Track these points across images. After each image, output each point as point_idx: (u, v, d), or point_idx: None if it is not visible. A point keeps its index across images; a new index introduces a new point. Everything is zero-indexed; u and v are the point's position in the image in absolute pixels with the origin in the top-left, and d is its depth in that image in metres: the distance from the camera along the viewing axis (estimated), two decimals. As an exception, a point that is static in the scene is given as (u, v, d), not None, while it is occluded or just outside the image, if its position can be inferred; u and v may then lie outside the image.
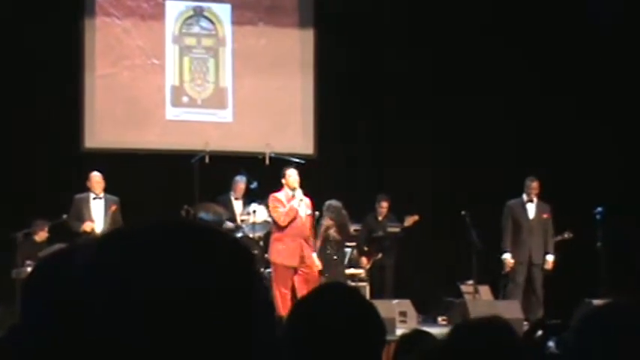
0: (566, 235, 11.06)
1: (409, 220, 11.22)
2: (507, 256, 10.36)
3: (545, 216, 10.49)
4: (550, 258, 10.42)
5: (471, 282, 10.71)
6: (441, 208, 11.61)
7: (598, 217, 10.63)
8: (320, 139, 12.51)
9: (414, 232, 11.27)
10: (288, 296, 9.25)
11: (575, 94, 12.17)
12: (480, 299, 10.45)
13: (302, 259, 9.46)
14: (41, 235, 10.21)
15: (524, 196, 10.54)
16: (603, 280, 10.09)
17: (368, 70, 12.43)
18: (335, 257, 10.12)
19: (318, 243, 9.95)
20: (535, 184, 10.48)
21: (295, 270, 9.46)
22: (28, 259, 9.54)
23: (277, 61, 12.55)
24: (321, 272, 9.74)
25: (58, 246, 7.53)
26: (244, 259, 0.89)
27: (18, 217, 10.30)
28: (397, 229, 11.28)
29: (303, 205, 9.58)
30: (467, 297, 10.51)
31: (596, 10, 11.96)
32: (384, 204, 11.40)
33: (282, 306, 8.93)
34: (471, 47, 12.22)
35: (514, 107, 12.18)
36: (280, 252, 9.52)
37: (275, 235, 9.63)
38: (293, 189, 9.54)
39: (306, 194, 9.67)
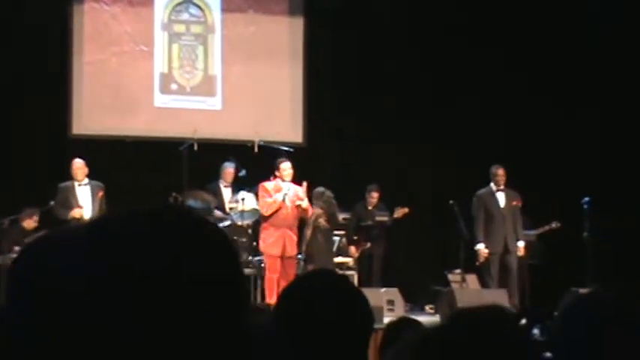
0: (553, 225, 11.11)
1: (399, 212, 11.23)
2: (481, 247, 10.22)
3: (514, 203, 10.36)
4: (521, 244, 10.34)
5: (458, 271, 10.73)
6: (429, 197, 11.62)
7: (585, 207, 10.64)
8: (309, 127, 12.49)
9: (402, 221, 11.29)
10: (275, 283, 9.30)
11: (573, 93, 12.19)
12: (467, 288, 10.46)
13: (285, 249, 9.53)
14: (30, 223, 10.17)
15: (493, 185, 10.37)
16: (590, 270, 10.11)
17: (358, 58, 12.40)
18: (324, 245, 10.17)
19: (308, 231, 9.97)
20: (501, 172, 10.33)
21: (282, 258, 9.54)
22: (15, 245, 9.51)
23: (266, 48, 12.51)
24: (308, 260, 9.78)
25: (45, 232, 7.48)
26: (232, 247, 0.90)
27: (4, 203, 10.25)
28: (385, 218, 11.30)
29: (290, 194, 9.63)
30: (454, 286, 10.53)
31: (596, 10, 11.92)
32: (375, 194, 11.40)
33: (270, 293, 8.98)
34: (469, 47, 12.20)
35: (503, 104, 12.18)
36: (266, 241, 9.65)
37: (263, 225, 9.78)
38: (284, 182, 9.62)
39: (297, 182, 9.72)
